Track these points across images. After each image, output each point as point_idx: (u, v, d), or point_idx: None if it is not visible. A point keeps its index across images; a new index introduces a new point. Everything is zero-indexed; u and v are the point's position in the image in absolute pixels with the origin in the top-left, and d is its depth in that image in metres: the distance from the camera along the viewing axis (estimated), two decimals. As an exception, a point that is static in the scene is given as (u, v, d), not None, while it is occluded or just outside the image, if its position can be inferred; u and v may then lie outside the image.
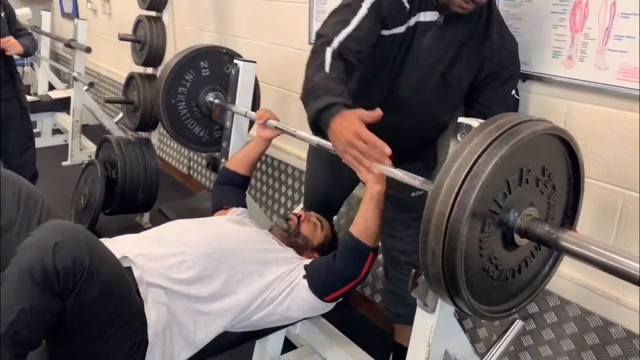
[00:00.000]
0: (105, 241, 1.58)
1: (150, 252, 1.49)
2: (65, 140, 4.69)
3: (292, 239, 1.78)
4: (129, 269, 1.44)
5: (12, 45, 2.83)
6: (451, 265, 1.08)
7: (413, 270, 1.34)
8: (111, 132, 4.39)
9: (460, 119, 1.29)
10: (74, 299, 1.19)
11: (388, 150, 1.34)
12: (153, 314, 1.38)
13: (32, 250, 1.18)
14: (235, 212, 1.91)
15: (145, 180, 3.03)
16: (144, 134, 3.24)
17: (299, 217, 1.84)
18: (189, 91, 2.27)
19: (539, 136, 1.13)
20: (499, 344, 1.73)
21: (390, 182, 1.45)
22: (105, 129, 4.52)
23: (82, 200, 3.09)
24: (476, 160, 1.06)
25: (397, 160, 1.40)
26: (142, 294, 1.39)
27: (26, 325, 1.16)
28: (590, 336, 1.60)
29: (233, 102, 2.21)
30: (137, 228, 3.23)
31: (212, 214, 1.98)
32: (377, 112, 1.35)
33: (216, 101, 2.27)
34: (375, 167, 1.37)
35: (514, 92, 1.65)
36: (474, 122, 1.27)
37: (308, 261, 1.64)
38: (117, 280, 1.30)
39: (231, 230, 1.70)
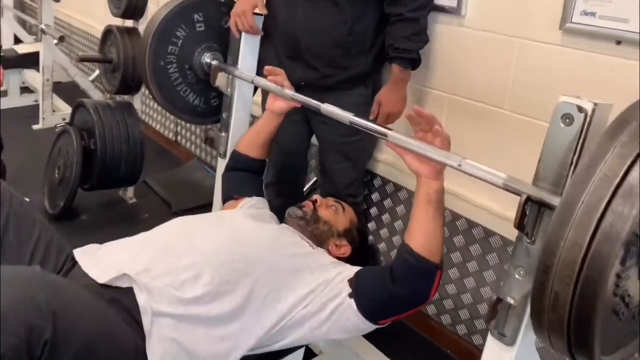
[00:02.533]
0: (93, 249, 1.28)
1: (157, 267, 1.19)
2: (36, 100, 4.24)
3: (312, 225, 1.51)
4: (130, 290, 1.14)
5: None
6: (585, 314, 0.78)
7: (494, 297, 1.07)
8: (87, 92, 3.96)
9: (565, 98, 0.97)
10: None
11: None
12: (158, 353, 1.08)
13: None
14: (247, 202, 1.60)
15: (128, 150, 2.65)
16: (125, 97, 2.82)
17: (314, 202, 1.57)
18: (181, 51, 1.89)
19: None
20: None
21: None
22: (80, 87, 4.09)
23: (56, 174, 2.71)
24: (630, 167, 0.73)
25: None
26: (146, 327, 1.10)
27: None
28: None
29: (235, 64, 1.85)
30: (120, 204, 2.91)
31: (222, 204, 1.69)
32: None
33: (214, 63, 1.89)
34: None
35: None
36: (587, 104, 0.95)
37: (350, 271, 1.33)
38: (100, 336, 0.99)
39: (252, 230, 1.39)
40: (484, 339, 1.81)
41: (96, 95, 3.84)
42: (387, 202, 2.08)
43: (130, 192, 2.95)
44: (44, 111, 3.87)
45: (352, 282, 1.28)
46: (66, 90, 4.36)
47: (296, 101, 1.59)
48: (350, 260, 1.49)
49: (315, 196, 1.62)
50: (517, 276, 1.04)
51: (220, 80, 1.87)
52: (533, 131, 1.53)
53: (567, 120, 0.96)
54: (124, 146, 2.63)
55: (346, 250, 1.52)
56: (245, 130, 1.91)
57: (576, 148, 0.96)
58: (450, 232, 1.84)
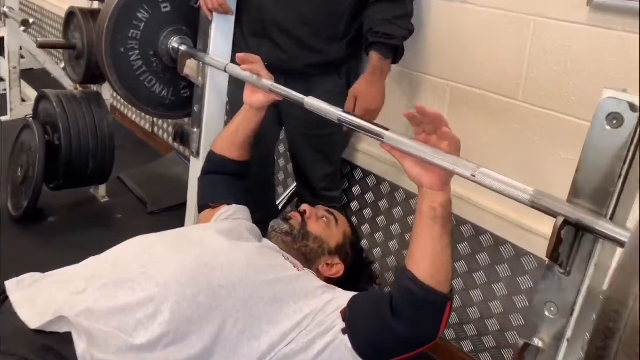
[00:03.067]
0: (30, 281, 1.08)
1: (103, 305, 1.00)
2: (5, 90, 3.99)
3: (300, 242, 1.32)
4: (68, 336, 0.95)
5: None
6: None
7: (522, 342, 0.87)
8: (59, 80, 3.71)
9: (610, 93, 0.77)
10: None
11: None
12: None
13: None
14: (225, 212, 1.41)
15: (96, 145, 2.43)
16: (93, 87, 2.59)
17: (302, 213, 1.38)
18: (144, 35, 1.68)
19: None
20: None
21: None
22: (52, 75, 3.83)
23: (18, 172, 2.49)
24: None
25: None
26: None
27: None
28: None
29: (205, 49, 1.65)
30: (92, 203, 2.70)
31: (198, 213, 1.51)
32: None
33: (182, 48, 1.69)
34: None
35: None
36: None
37: (343, 298, 1.13)
38: None
39: (224, 251, 1.18)
40: (493, 359, 1.64)
41: (69, 83, 3.60)
42: (383, 204, 1.91)
43: (102, 190, 2.74)
44: (12, 101, 3.65)
45: (345, 313, 1.07)
46: (38, 78, 4.10)
47: (276, 94, 1.37)
48: (342, 279, 1.32)
49: (304, 206, 1.41)
50: (547, 314, 0.86)
51: (190, 68, 1.66)
52: (553, 126, 1.33)
53: (615, 122, 0.77)
54: (91, 141, 2.43)
55: (339, 269, 1.34)
56: (220, 125, 1.73)
57: (627, 157, 0.76)
58: (454, 238, 1.64)
